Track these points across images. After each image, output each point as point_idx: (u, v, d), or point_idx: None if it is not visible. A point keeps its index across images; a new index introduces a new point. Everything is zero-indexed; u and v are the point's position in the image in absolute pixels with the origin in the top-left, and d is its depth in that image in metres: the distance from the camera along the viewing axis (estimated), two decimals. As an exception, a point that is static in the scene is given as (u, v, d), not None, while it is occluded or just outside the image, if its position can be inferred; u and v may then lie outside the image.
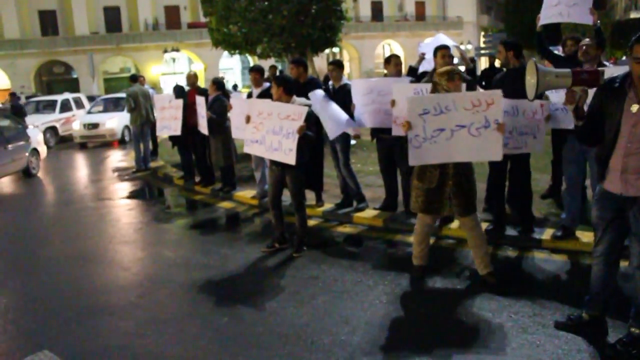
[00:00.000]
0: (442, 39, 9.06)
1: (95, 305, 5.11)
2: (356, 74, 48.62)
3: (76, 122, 18.61)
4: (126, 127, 17.93)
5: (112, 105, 19.32)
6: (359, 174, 7.81)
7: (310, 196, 7.72)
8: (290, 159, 5.82)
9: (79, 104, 21.34)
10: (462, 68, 6.54)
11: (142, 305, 5.09)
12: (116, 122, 18.24)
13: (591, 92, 3.75)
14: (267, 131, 6.03)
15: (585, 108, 3.76)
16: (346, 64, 51.56)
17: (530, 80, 3.78)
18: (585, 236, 5.75)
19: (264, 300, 5.00)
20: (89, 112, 19.44)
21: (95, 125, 17.99)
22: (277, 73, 11.79)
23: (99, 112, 19.15)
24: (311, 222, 7.18)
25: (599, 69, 3.56)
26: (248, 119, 6.27)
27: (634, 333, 3.73)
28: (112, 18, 45.04)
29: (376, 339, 4.15)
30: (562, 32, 12.61)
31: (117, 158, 15.42)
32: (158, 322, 4.69)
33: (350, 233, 6.85)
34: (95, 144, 18.45)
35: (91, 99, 22.95)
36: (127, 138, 18.30)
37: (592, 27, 5.99)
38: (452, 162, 4.89)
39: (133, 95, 12.31)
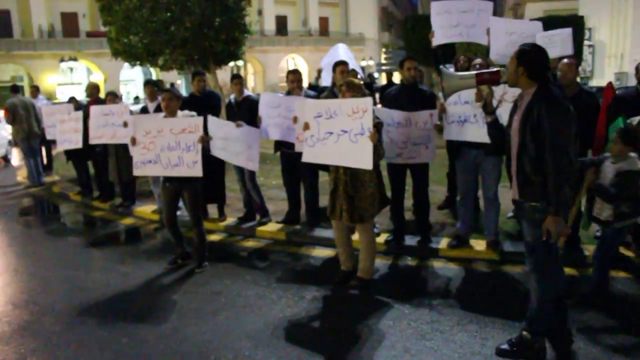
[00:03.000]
0: (341, 49, 9.21)
1: (-21, 332, 4.74)
2: (260, 88, 48.60)
3: None
4: None
5: None
6: (262, 188, 7.80)
7: (212, 210, 7.62)
8: (196, 171, 5.72)
9: None
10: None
11: (32, 331, 4.75)
12: None
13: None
14: (161, 149, 5.83)
15: (494, 103, 4.14)
16: (250, 77, 51.51)
17: (442, 84, 4.09)
18: (478, 244, 6.07)
19: (166, 318, 4.87)
20: None
21: None
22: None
23: None
24: (214, 237, 7.09)
25: (499, 69, 3.85)
26: (134, 141, 5.97)
27: (524, 337, 3.91)
28: (2, 22, 42.19)
29: (279, 353, 4.14)
30: (457, 51, 13.28)
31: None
32: (48, 349, 4.41)
33: (253, 247, 6.81)
34: None
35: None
36: None
37: (485, 47, 6.40)
38: (337, 165, 5.12)
39: (11, 108, 11.39)
